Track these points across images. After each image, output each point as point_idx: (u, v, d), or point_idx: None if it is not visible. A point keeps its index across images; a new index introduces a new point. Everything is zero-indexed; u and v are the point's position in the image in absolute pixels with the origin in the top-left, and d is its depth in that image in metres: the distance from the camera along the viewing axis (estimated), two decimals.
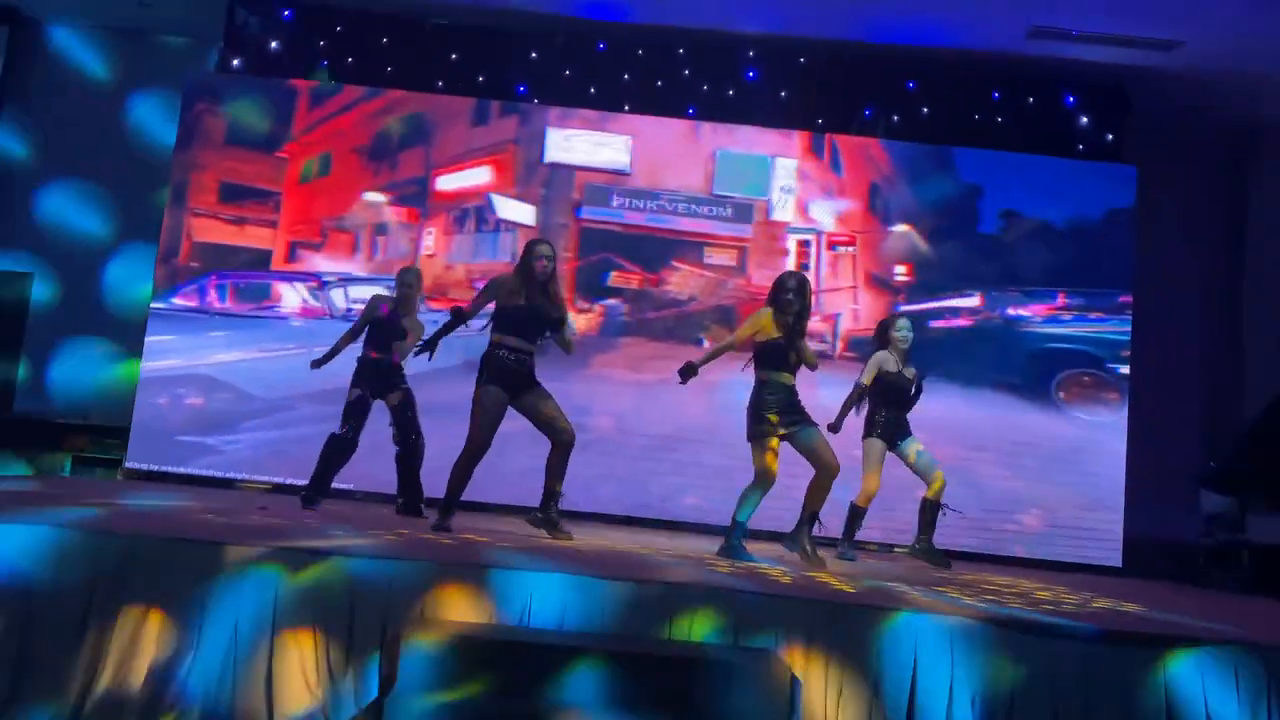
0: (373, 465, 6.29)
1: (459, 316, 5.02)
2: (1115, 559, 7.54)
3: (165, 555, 3.45)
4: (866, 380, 5.84)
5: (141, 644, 3.35)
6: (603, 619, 3.47)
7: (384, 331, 5.81)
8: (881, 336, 6.01)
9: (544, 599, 3.49)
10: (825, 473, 4.87)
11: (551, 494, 5.09)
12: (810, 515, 5.00)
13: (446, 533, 4.77)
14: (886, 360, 5.87)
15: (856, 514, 5.96)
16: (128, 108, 8.60)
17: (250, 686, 3.34)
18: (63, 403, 8.22)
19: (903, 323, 5.99)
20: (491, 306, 5.12)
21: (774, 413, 4.81)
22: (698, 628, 3.49)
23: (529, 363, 5.03)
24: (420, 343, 5.15)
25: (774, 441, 4.82)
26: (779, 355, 4.91)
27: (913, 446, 5.92)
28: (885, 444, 5.90)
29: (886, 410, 5.88)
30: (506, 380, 4.95)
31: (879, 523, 7.20)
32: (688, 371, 5.01)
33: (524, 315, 4.96)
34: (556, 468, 5.08)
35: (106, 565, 3.41)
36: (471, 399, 4.98)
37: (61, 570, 3.39)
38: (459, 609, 3.49)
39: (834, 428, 5.60)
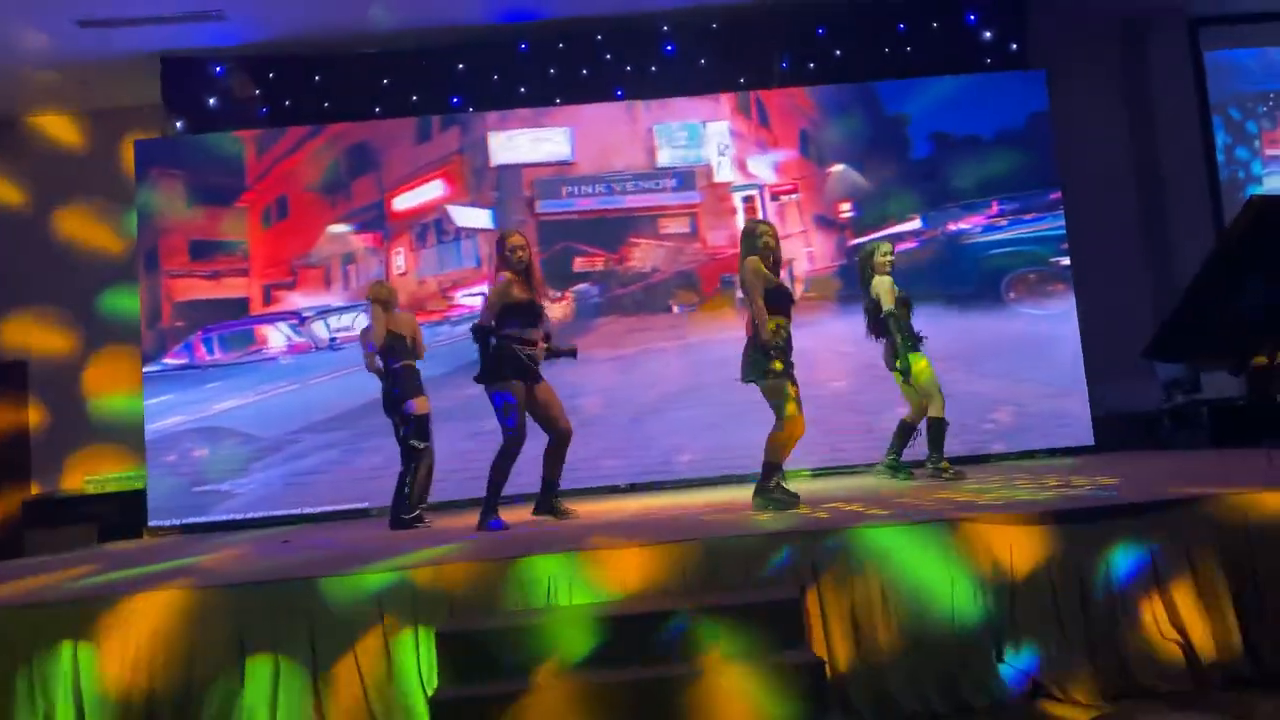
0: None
1: (486, 333, 5.03)
2: (1088, 438, 7.87)
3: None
4: (892, 304, 5.89)
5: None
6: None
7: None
8: (868, 264, 6.11)
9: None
10: (796, 425, 4.79)
11: (551, 484, 5.26)
12: (776, 467, 4.86)
13: (504, 529, 4.85)
14: (890, 282, 6.01)
15: (943, 427, 6.08)
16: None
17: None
18: (78, 477, 8.38)
19: (885, 246, 6.14)
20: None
21: (781, 359, 4.69)
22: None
23: (538, 355, 5.14)
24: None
25: (792, 388, 4.72)
26: (782, 299, 4.82)
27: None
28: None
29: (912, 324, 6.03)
30: (525, 374, 5.03)
31: (841, 445, 7.56)
32: (772, 351, 4.70)
33: (527, 307, 5.05)
34: (555, 460, 5.23)
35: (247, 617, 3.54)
36: (498, 398, 4.99)
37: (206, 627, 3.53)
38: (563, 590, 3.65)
39: (904, 368, 5.82)
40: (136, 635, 3.50)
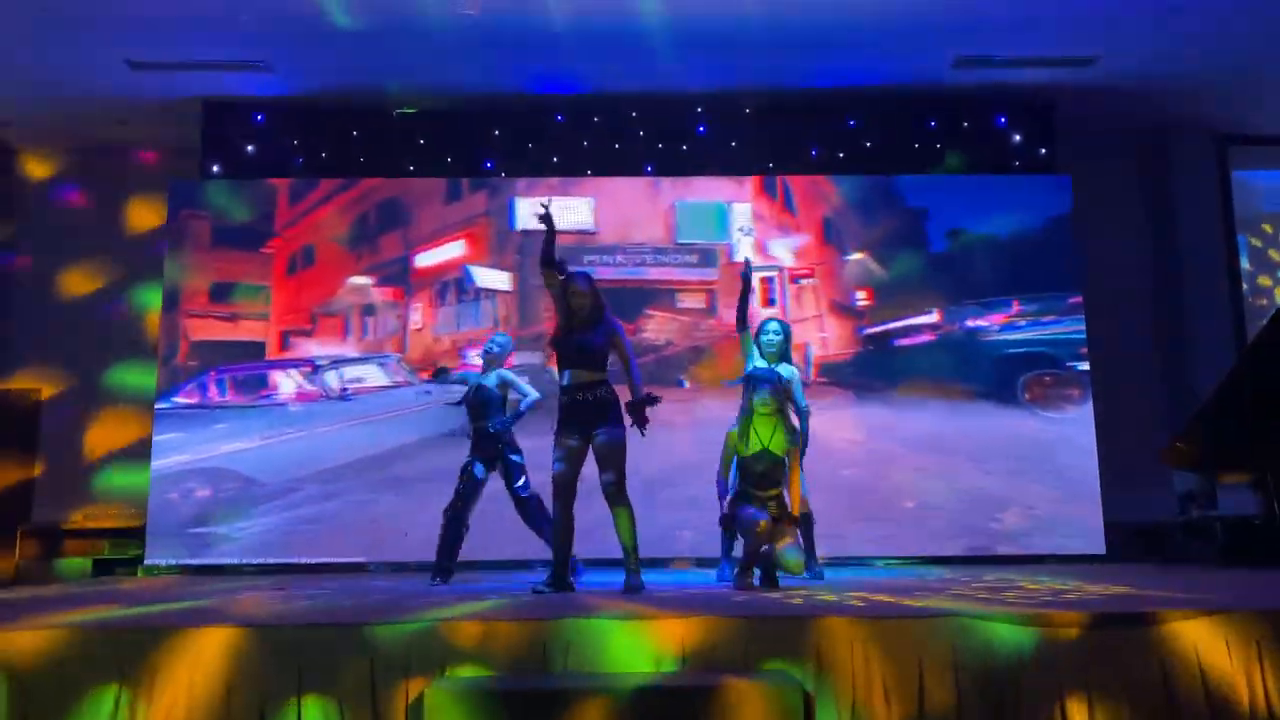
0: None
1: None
2: (1099, 547, 7.68)
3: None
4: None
5: None
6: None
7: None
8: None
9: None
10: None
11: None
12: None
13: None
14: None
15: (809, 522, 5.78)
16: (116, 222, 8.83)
17: None
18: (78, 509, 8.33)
19: (771, 325, 5.85)
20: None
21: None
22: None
23: None
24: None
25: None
26: None
27: None
28: None
29: None
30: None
31: (843, 533, 7.39)
32: None
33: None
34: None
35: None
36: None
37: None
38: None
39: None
40: (189, 675, 3.43)
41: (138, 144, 8.90)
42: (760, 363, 5.69)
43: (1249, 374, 2.87)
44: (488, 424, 5.91)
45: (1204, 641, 3.57)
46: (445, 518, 5.91)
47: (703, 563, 7.14)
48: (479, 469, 5.91)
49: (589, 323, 5.01)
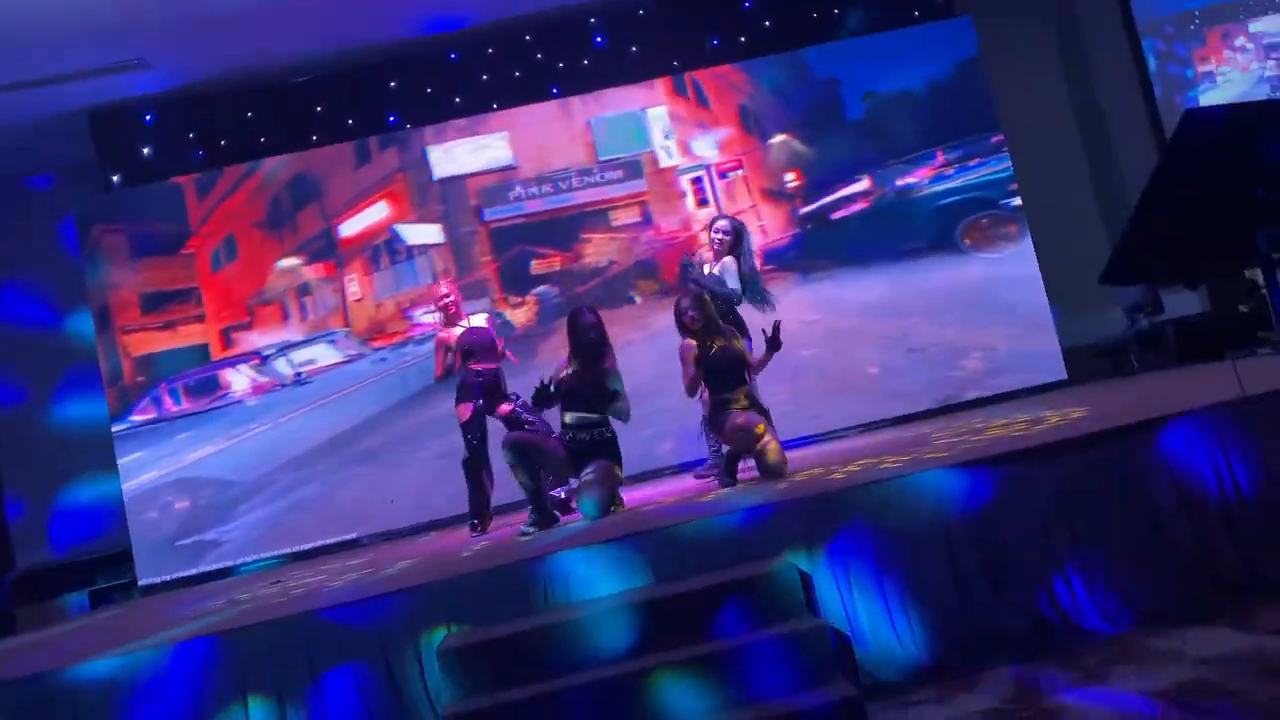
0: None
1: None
2: (1061, 373, 7.89)
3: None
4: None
5: None
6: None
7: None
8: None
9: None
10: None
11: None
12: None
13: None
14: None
15: None
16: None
17: None
18: (63, 546, 8.24)
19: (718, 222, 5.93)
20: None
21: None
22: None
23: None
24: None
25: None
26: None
27: None
28: None
29: None
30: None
31: (817, 412, 7.55)
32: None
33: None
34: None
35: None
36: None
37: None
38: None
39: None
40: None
41: (30, 171, 8.58)
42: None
43: (1166, 180, 2.94)
44: (483, 367, 5.77)
45: (1170, 445, 3.73)
46: (464, 469, 5.81)
47: (684, 469, 7.19)
48: (466, 411, 5.77)
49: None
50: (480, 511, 5.78)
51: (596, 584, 3.66)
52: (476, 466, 5.81)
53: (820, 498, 3.74)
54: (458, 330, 5.82)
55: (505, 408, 5.60)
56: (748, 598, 3.37)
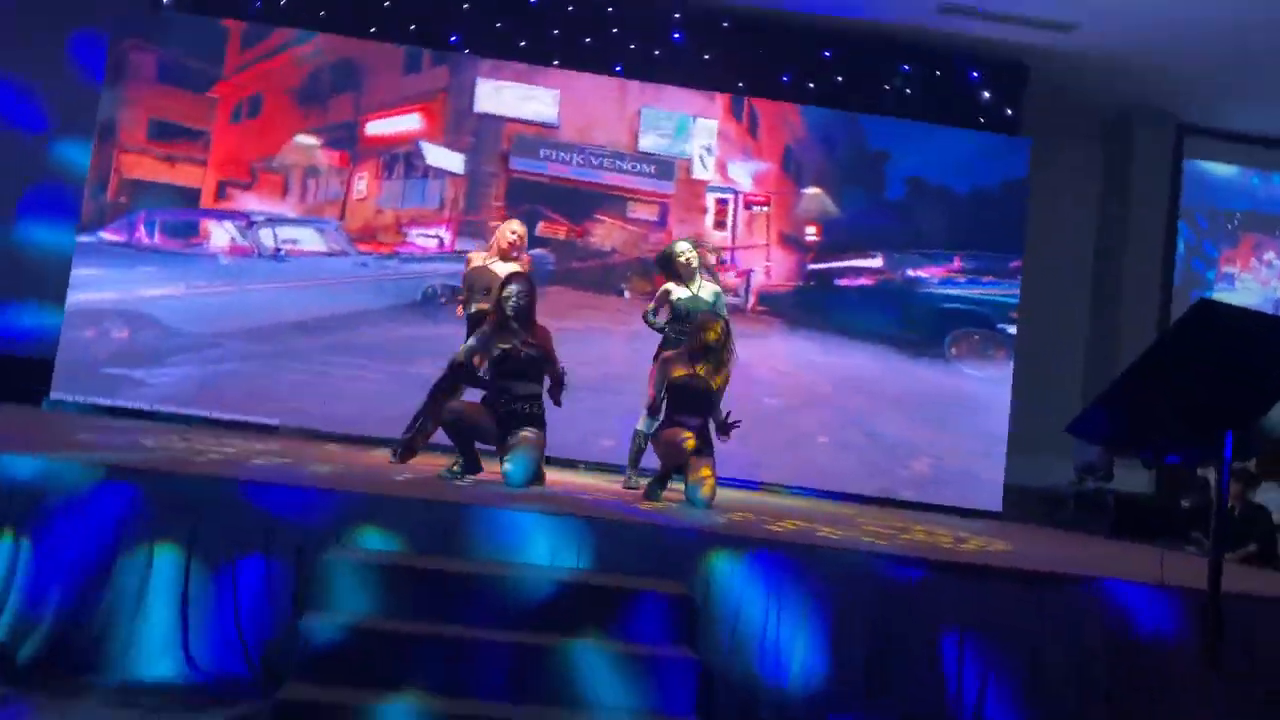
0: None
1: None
2: (996, 504, 7.99)
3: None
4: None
5: None
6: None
7: None
8: (671, 266, 5.75)
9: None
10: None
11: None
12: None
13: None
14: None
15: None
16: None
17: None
18: None
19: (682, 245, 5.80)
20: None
21: None
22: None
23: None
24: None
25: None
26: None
27: None
28: None
29: None
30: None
31: (758, 461, 7.60)
32: None
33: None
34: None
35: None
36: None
37: None
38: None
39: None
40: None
41: None
42: (683, 292, 5.68)
43: (1163, 354, 3.00)
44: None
45: (1079, 603, 3.80)
46: (430, 390, 5.60)
47: (598, 468, 7.23)
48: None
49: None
50: (412, 441, 5.72)
51: (528, 550, 3.68)
52: (441, 395, 5.66)
53: (759, 542, 3.78)
54: (503, 268, 5.63)
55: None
56: (661, 609, 3.43)
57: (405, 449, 5.61)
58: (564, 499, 4.56)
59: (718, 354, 5.14)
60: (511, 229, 5.73)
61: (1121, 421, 3.87)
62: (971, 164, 8.30)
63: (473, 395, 5.20)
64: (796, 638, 3.61)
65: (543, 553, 3.67)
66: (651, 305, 5.78)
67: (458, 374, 5.12)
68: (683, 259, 5.68)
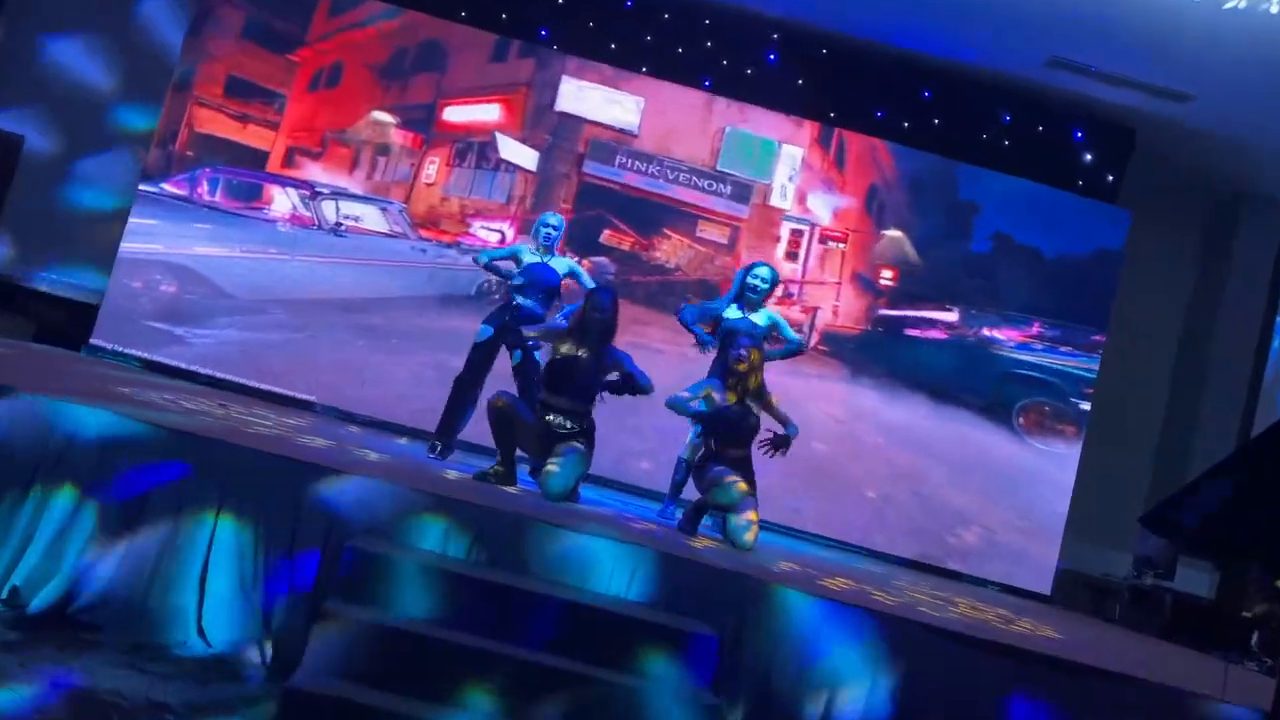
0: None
1: None
2: (1044, 586, 7.81)
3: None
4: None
5: None
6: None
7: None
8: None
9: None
10: None
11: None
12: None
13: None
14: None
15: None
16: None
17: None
18: (38, 271, 8.12)
19: (761, 270, 5.94)
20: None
21: None
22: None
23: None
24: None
25: None
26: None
27: None
28: None
29: None
30: None
31: (799, 507, 7.53)
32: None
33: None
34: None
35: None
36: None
37: None
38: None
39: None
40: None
41: None
42: (736, 312, 5.79)
43: (1267, 456, 2.89)
44: (527, 304, 5.82)
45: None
46: (453, 385, 5.87)
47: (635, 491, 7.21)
48: (485, 330, 5.84)
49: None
50: (446, 434, 5.77)
51: (589, 573, 3.75)
52: (464, 389, 5.83)
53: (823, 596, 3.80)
54: (534, 258, 5.88)
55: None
56: (716, 652, 3.48)
57: (444, 445, 5.67)
58: (622, 524, 4.63)
59: (749, 383, 5.19)
60: (551, 222, 5.94)
61: (1204, 518, 3.76)
62: (1064, 227, 8.15)
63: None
64: (853, 697, 3.61)
65: (603, 578, 3.72)
66: (696, 302, 5.93)
67: (503, 336, 5.26)
68: (754, 283, 5.80)
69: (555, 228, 5.96)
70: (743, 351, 5.19)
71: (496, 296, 7.64)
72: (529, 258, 5.90)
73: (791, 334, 6.05)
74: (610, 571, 3.72)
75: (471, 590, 3.39)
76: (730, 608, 3.68)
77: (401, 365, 7.63)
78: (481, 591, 3.40)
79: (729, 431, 5.16)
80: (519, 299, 5.81)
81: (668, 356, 7.65)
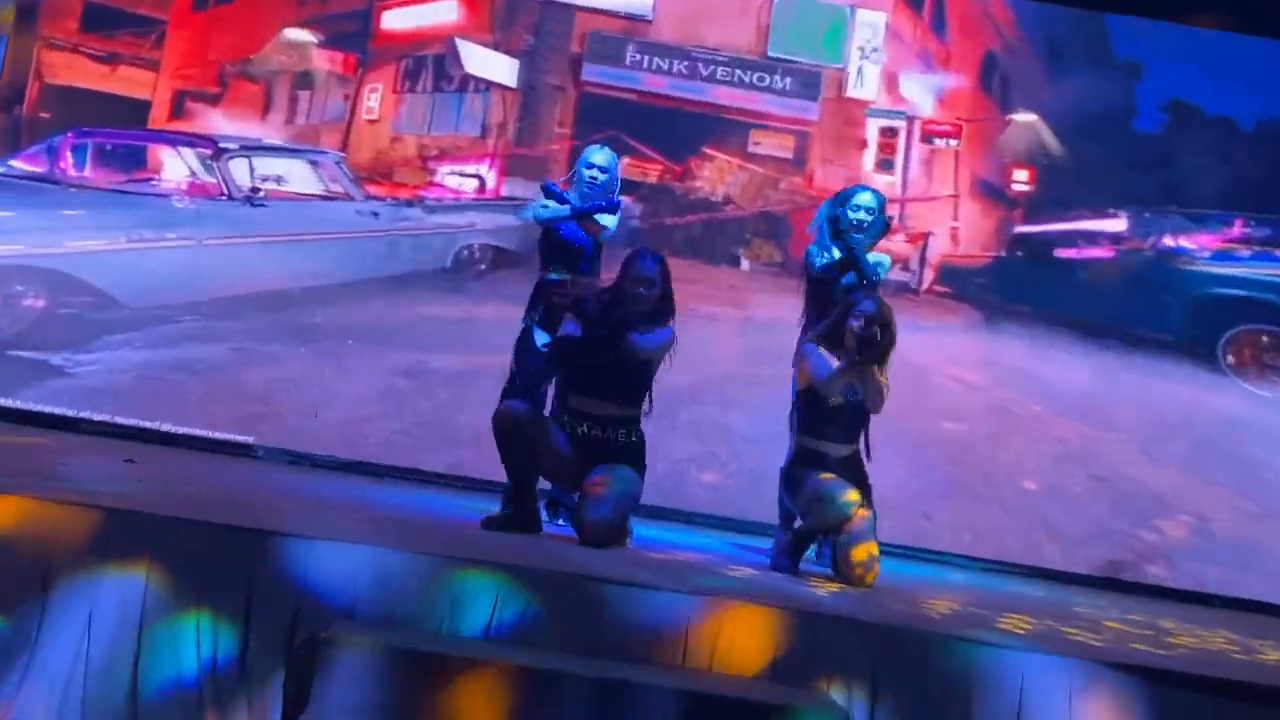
0: None
1: None
2: None
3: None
4: None
5: None
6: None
7: None
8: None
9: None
10: None
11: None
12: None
13: None
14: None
15: None
16: None
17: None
18: None
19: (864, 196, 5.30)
20: None
21: None
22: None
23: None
24: None
25: None
26: None
27: None
28: None
29: None
30: None
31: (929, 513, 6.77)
32: None
33: None
34: None
35: None
36: None
37: None
38: None
39: None
40: None
41: None
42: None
43: None
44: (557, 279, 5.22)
45: None
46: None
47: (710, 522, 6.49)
48: (537, 335, 5.18)
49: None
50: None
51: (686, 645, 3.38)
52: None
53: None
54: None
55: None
56: None
57: (550, 499, 5.16)
58: (719, 571, 4.31)
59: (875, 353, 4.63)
60: (593, 161, 5.24)
61: None
62: (1265, 85, 7.14)
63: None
64: None
65: (720, 650, 3.33)
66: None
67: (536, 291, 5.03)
68: (857, 217, 5.15)
69: (604, 169, 5.22)
70: (869, 309, 4.59)
71: (483, 267, 7.07)
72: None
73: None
74: (730, 639, 3.34)
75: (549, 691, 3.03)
76: (892, 677, 3.29)
77: (362, 376, 6.79)
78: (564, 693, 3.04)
79: (829, 419, 4.64)
80: (548, 273, 5.27)
81: (726, 323, 7.06)
